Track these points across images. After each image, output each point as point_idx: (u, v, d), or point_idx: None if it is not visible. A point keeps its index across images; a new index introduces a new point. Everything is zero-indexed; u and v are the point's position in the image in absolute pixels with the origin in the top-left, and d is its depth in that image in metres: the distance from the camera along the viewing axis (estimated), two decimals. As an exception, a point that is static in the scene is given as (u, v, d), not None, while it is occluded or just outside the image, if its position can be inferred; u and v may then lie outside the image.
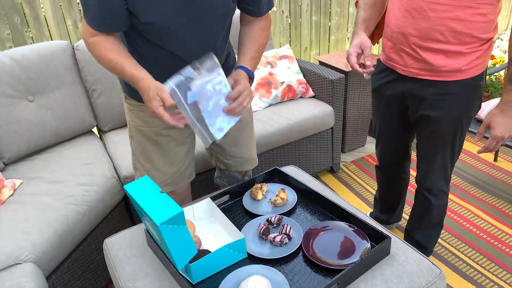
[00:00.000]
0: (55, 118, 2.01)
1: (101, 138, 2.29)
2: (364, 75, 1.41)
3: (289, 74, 2.43)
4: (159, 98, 1.07)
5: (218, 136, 1.18)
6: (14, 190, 1.71)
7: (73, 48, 2.13)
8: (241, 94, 1.18)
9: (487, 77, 2.77)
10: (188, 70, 1.11)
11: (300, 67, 2.55)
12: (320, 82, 2.43)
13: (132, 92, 1.36)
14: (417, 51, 1.38)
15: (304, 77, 2.53)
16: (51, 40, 2.67)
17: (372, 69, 1.41)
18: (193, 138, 1.52)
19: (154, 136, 1.40)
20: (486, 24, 1.31)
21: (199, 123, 1.15)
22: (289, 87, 2.41)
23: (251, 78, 1.27)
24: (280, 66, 2.45)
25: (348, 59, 1.45)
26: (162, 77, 1.15)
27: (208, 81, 1.13)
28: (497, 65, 3.07)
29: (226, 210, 1.44)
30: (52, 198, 1.64)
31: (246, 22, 1.35)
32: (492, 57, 3.10)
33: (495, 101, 2.25)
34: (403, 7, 1.37)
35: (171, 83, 1.10)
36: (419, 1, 1.31)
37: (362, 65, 1.43)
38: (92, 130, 2.27)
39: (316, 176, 2.67)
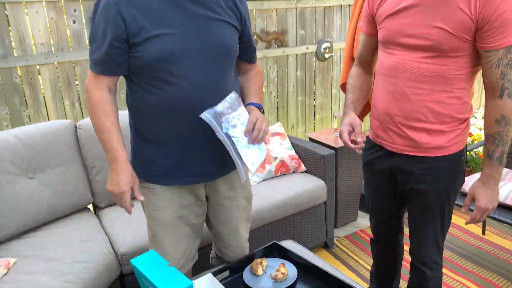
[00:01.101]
0: (53, 195, 2.02)
1: (96, 214, 2.29)
2: (357, 150, 1.52)
3: (281, 150, 2.55)
4: (131, 186, 1.29)
5: (253, 169, 1.32)
6: (8, 269, 1.66)
7: (75, 127, 2.21)
8: (257, 121, 1.33)
9: (467, 153, 2.94)
10: (219, 105, 1.28)
11: (291, 143, 2.68)
12: (311, 158, 2.54)
13: (149, 174, 1.40)
14: (403, 130, 1.50)
15: (296, 152, 2.64)
16: (48, 119, 2.75)
17: (363, 145, 1.52)
18: (202, 221, 1.54)
19: (165, 219, 1.43)
20: (462, 106, 1.45)
21: (236, 155, 1.29)
22: (282, 162, 2.50)
23: (260, 109, 1.45)
24: (273, 142, 2.57)
25: (340, 136, 1.56)
26: (169, 135, 1.31)
27: (235, 115, 1.32)
28: (475, 142, 3.27)
29: (227, 286, 1.43)
30: (48, 277, 1.60)
31: (243, 72, 1.54)
32: (470, 135, 3.31)
33: (478, 175, 2.38)
34: (387, 91, 1.51)
35: (207, 114, 1.25)
36: (402, 86, 1.46)
37: (354, 142, 1.54)
38: (87, 206, 2.28)
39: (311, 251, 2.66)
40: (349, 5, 3.96)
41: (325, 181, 2.48)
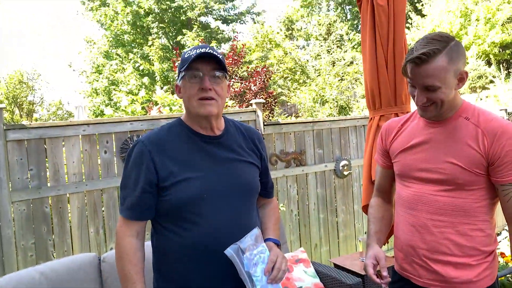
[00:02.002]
0: (70, 335, 1.95)
1: None
2: (383, 285, 1.46)
3: (306, 278, 2.46)
4: None
5: None
6: None
7: (99, 259, 2.22)
8: (277, 260, 1.32)
9: (502, 278, 2.76)
10: (243, 241, 1.28)
11: (316, 271, 2.59)
12: (337, 287, 2.43)
13: None
14: (428, 263, 1.44)
15: (321, 280, 2.53)
16: (72, 246, 2.79)
17: (389, 279, 1.45)
18: None
19: None
20: (486, 238, 1.41)
21: None
22: (307, 292, 2.40)
23: (278, 245, 1.44)
24: (296, 270, 2.49)
25: (365, 270, 1.51)
26: (193, 276, 1.30)
27: (256, 253, 1.31)
28: (510, 264, 3.08)
29: None
30: None
31: (260, 205, 1.57)
32: (503, 255, 3.14)
33: (518, 304, 2.19)
34: (408, 222, 1.49)
35: (231, 250, 1.25)
36: (422, 218, 1.44)
37: (379, 275, 1.49)
38: None
39: None
40: (363, 125, 4.16)
41: (354, 313, 2.34)
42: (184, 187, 1.30)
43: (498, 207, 1.43)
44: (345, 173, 4.03)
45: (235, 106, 5.55)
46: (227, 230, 1.32)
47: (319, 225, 3.89)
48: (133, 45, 13.73)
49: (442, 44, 1.32)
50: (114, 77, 10.78)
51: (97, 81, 10.83)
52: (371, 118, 2.68)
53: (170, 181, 1.30)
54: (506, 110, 5.35)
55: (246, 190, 1.41)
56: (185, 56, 1.34)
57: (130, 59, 11.97)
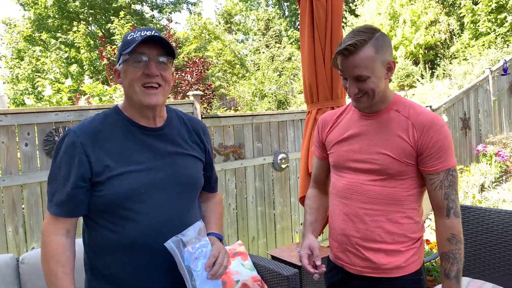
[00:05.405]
0: None
1: None
2: (315, 275, 1.47)
3: (243, 271, 2.43)
4: None
5: None
6: None
7: (18, 261, 2.02)
8: (219, 255, 1.29)
9: (427, 263, 2.95)
10: (185, 233, 1.24)
11: (253, 263, 2.57)
12: (275, 278, 2.43)
13: None
14: (360, 251, 1.48)
15: (258, 273, 2.52)
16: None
17: (324, 269, 1.47)
18: None
19: None
20: (414, 225, 1.48)
21: None
22: (245, 285, 2.37)
23: (221, 240, 1.41)
24: (234, 264, 2.46)
25: (300, 261, 1.52)
26: (128, 274, 1.23)
27: (199, 246, 1.27)
28: (434, 250, 3.30)
29: None
30: None
31: (204, 200, 1.51)
32: (428, 242, 3.36)
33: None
34: (342, 212, 1.53)
35: (171, 243, 1.20)
36: (355, 207, 1.48)
37: (314, 265, 1.50)
38: None
39: None
40: (301, 119, 4.22)
41: (291, 304, 2.35)
42: (121, 182, 1.21)
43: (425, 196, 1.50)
44: (283, 166, 4.06)
45: (169, 98, 5.37)
46: (166, 227, 1.25)
47: (257, 218, 3.90)
48: (59, 31, 12.76)
49: (368, 35, 1.37)
50: (36, 64, 9.89)
51: (19, 67, 9.88)
52: (309, 111, 2.71)
53: (105, 175, 1.20)
54: (431, 106, 5.73)
55: (188, 185, 1.34)
56: (128, 38, 1.24)
57: (53, 45, 11.06)
